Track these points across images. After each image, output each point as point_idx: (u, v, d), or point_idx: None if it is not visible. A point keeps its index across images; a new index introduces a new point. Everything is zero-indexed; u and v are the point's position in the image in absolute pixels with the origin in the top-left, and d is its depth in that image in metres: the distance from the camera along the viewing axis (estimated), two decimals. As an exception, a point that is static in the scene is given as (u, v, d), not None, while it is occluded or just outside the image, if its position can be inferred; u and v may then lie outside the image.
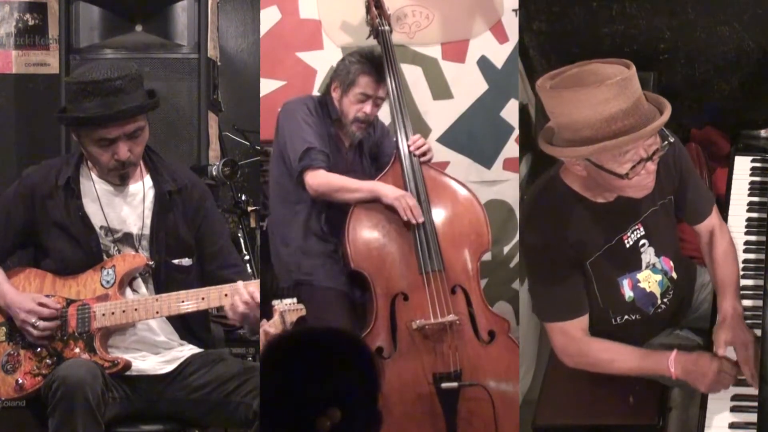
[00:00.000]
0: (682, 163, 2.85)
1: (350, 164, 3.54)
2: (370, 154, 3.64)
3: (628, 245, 2.78)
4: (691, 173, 2.89)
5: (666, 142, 2.57)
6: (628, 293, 2.80)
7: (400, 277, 3.28)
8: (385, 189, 3.35)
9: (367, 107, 3.48)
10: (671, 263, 2.88)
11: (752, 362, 2.59)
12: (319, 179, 3.35)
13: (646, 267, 2.82)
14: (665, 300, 2.88)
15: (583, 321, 2.75)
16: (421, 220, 3.30)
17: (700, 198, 2.92)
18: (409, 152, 3.41)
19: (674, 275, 2.89)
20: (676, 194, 2.87)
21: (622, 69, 2.52)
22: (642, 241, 2.80)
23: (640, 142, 2.51)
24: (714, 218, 2.94)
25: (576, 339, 2.74)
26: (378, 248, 3.31)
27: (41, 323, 2.94)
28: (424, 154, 3.43)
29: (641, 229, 2.79)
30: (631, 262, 2.80)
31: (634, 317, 2.85)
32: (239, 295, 2.88)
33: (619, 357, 2.74)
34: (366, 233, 3.32)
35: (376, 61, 3.48)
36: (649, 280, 2.83)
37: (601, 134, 2.48)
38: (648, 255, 2.82)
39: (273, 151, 3.53)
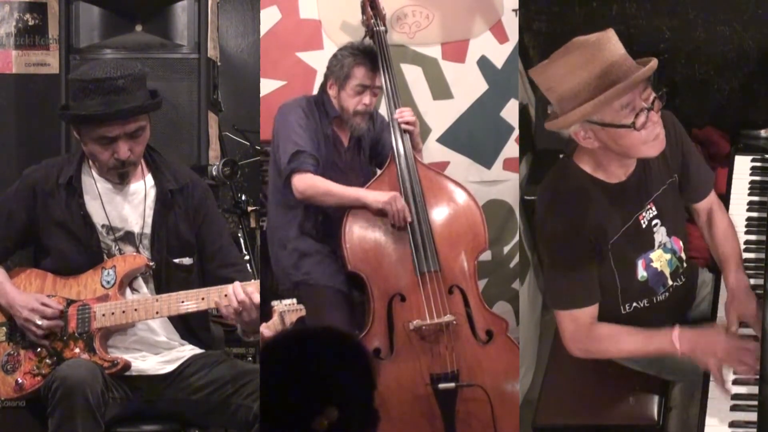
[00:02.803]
0: (683, 141, 2.91)
1: (348, 164, 3.54)
2: (371, 150, 3.64)
3: (643, 225, 2.80)
4: (692, 150, 2.94)
5: (661, 92, 2.64)
6: (641, 273, 2.82)
7: (397, 277, 3.28)
8: (372, 196, 3.33)
9: (366, 98, 3.48)
10: (681, 243, 2.90)
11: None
12: (305, 182, 3.35)
13: (659, 246, 2.84)
14: (674, 284, 2.89)
15: (595, 309, 2.75)
16: (407, 222, 3.30)
17: (702, 175, 2.96)
18: (405, 153, 3.41)
19: (683, 255, 2.91)
20: (680, 171, 2.89)
21: (599, 32, 2.62)
22: (655, 221, 2.82)
23: (636, 91, 2.58)
24: (712, 196, 2.97)
25: (585, 326, 2.74)
26: (374, 249, 3.31)
27: (44, 322, 2.94)
28: (408, 124, 3.43)
29: (653, 208, 2.82)
30: (646, 242, 2.82)
31: (642, 304, 2.85)
32: (236, 293, 2.88)
33: (624, 339, 2.74)
34: (363, 234, 3.32)
35: (367, 51, 3.50)
36: (661, 260, 2.84)
37: (599, 90, 2.56)
38: (660, 234, 2.84)
39: (270, 155, 3.54)
